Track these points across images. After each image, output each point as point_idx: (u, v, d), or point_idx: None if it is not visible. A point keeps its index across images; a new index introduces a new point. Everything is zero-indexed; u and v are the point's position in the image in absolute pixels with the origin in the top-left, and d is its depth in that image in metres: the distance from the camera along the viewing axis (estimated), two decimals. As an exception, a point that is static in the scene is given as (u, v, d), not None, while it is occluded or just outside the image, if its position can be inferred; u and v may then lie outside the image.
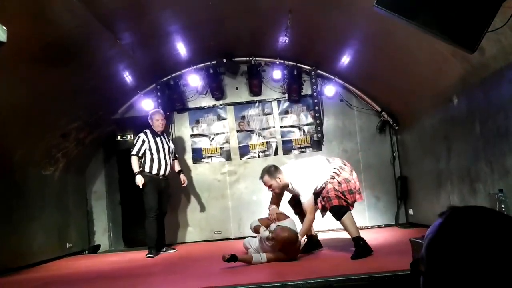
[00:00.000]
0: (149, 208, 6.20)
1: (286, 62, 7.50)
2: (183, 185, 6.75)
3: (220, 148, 7.83)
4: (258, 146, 7.80)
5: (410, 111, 6.78)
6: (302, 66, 7.57)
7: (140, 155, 6.30)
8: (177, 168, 6.74)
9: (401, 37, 5.00)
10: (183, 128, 7.87)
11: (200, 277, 4.16)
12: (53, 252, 6.72)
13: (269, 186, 4.90)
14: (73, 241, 7.35)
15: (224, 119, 7.87)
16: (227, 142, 7.84)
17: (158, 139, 6.41)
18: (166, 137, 6.63)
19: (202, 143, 7.85)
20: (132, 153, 6.31)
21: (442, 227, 0.88)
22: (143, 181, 6.14)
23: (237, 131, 7.85)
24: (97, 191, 8.31)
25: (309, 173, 4.84)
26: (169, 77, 7.67)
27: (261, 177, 4.93)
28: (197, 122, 7.88)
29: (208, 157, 7.78)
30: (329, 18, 5.82)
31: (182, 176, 6.70)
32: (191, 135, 7.86)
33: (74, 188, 7.66)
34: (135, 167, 6.25)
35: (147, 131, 6.43)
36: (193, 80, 7.58)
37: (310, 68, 7.59)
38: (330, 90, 7.57)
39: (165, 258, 5.98)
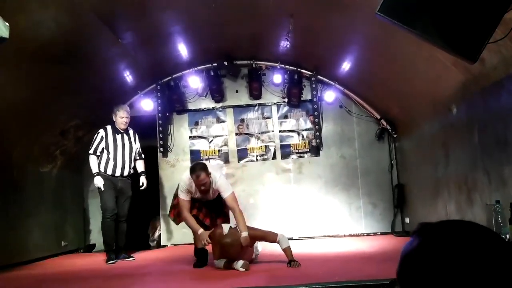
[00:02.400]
0: (104, 208, 5.92)
1: (287, 66, 7.52)
2: (141, 188, 6.32)
3: (219, 150, 7.83)
4: (256, 150, 7.80)
5: (409, 118, 6.79)
6: (303, 71, 7.59)
7: (97, 153, 5.95)
8: (139, 168, 6.32)
9: (402, 44, 5.02)
10: (182, 129, 7.88)
11: (196, 279, 4.16)
12: (49, 250, 6.70)
13: (203, 184, 4.75)
14: (69, 239, 7.34)
15: (223, 121, 7.88)
16: (226, 144, 7.84)
17: (118, 137, 6.06)
18: (130, 135, 6.20)
19: (201, 145, 7.85)
20: (89, 151, 5.97)
21: (414, 248, 0.85)
22: (102, 183, 5.84)
23: (236, 134, 7.86)
24: (94, 189, 8.27)
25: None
26: (170, 78, 7.68)
27: (198, 175, 4.71)
28: (196, 123, 7.88)
29: (206, 159, 7.77)
30: (330, 24, 5.84)
31: (142, 178, 6.30)
32: (190, 137, 7.86)
33: (71, 186, 7.65)
34: (94, 168, 5.91)
35: (108, 127, 6.07)
36: (194, 81, 7.59)
37: (311, 73, 7.60)
38: (330, 95, 7.58)
39: (161, 259, 5.97)
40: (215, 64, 7.51)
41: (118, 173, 6.00)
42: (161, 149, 7.77)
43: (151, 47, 6.52)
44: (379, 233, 7.43)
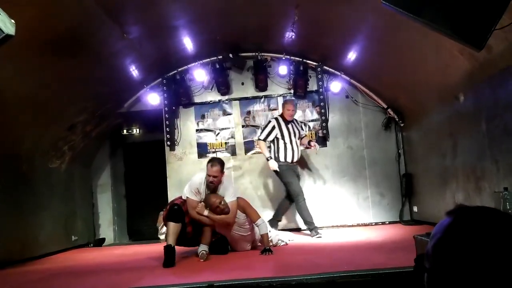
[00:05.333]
0: (296, 193, 6.35)
1: (292, 57, 7.50)
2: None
3: (226, 143, 7.84)
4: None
5: (416, 108, 6.77)
6: (308, 61, 7.56)
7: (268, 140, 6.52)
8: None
9: (408, 33, 4.99)
10: (188, 122, 7.89)
11: (204, 271, 4.19)
12: (59, 244, 6.78)
13: (215, 177, 5.04)
14: (79, 234, 7.41)
15: (229, 114, 7.88)
16: (233, 137, 7.85)
17: (289, 126, 6.55)
18: (296, 124, 6.74)
19: (208, 138, 7.86)
20: (260, 138, 6.61)
21: (450, 227, 0.88)
22: (277, 165, 6.39)
23: (243, 126, 7.86)
24: (103, 184, 8.37)
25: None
26: (176, 71, 7.68)
27: (213, 165, 5.06)
28: (203, 116, 7.89)
29: (213, 152, 7.79)
30: (335, 13, 5.81)
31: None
32: (197, 130, 7.88)
33: (80, 180, 7.71)
34: (267, 152, 6.54)
35: (279, 117, 6.63)
36: (199, 74, 7.59)
37: (316, 64, 7.58)
38: (336, 86, 7.56)
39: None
40: (221, 56, 7.50)
41: (295, 160, 6.54)
42: (168, 142, 7.78)
43: (157, 41, 6.52)
44: (387, 223, 7.43)
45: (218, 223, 5.06)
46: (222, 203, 4.97)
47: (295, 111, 6.73)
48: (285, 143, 6.44)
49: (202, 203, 5.06)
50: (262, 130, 6.63)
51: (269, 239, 5.21)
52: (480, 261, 0.81)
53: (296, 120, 6.79)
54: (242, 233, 5.25)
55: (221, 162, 5.16)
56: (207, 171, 5.07)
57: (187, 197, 5.09)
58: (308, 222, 6.27)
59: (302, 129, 6.92)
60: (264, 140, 6.50)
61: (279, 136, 6.45)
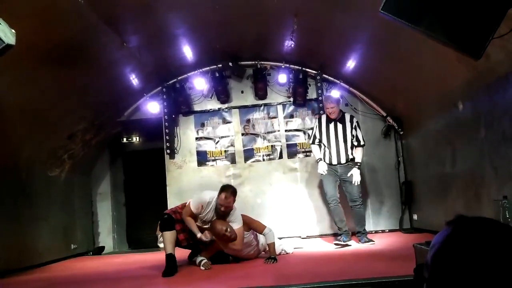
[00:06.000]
0: (326, 194, 6.21)
1: (292, 66, 7.52)
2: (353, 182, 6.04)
3: (225, 151, 7.84)
4: (263, 150, 7.82)
5: (415, 115, 6.78)
6: (308, 70, 7.58)
7: (315, 142, 6.23)
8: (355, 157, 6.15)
9: (407, 41, 5.01)
10: (188, 131, 7.90)
11: (204, 280, 4.18)
12: (58, 253, 6.76)
13: (226, 206, 4.94)
14: (78, 242, 7.39)
15: (229, 122, 7.89)
16: (232, 145, 7.85)
17: (331, 125, 6.12)
18: (345, 122, 6.14)
19: (207, 146, 7.87)
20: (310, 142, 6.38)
21: (449, 237, 0.89)
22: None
23: (242, 134, 7.87)
24: (102, 192, 8.36)
25: None
26: (175, 80, 7.70)
27: (227, 196, 4.92)
28: (203, 125, 7.90)
29: (213, 160, 7.80)
30: (334, 22, 5.84)
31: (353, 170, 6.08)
32: (196, 138, 7.88)
33: (79, 189, 7.71)
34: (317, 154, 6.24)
35: (322, 116, 6.29)
36: (199, 83, 7.61)
37: (316, 72, 7.60)
38: (335, 94, 7.57)
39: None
40: (220, 65, 7.52)
41: (336, 162, 6.07)
42: (168, 151, 7.79)
43: (156, 49, 6.55)
44: (387, 230, 7.41)
45: (227, 248, 5.03)
46: (229, 230, 4.86)
47: (335, 107, 6.01)
48: (324, 144, 6.12)
49: (207, 231, 5.00)
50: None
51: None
52: (478, 272, 0.81)
53: (352, 119, 6.15)
54: (250, 251, 5.25)
55: (234, 193, 5.05)
56: (220, 200, 4.93)
57: (189, 202, 5.09)
58: (337, 227, 6.14)
59: (355, 130, 6.10)
60: (313, 142, 6.26)
61: (317, 135, 6.18)
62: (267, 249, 5.27)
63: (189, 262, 5.20)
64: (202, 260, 4.83)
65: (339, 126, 6.08)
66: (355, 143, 6.06)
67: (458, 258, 0.84)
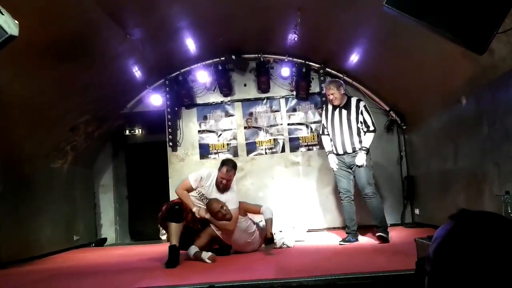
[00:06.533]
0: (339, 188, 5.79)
1: (295, 59, 7.50)
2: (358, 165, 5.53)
3: (228, 144, 7.85)
4: (265, 143, 7.82)
5: (418, 111, 6.76)
6: (311, 63, 7.56)
7: (325, 132, 5.79)
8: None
9: (410, 36, 4.99)
10: (190, 124, 7.90)
11: (205, 272, 4.19)
12: (60, 244, 6.79)
13: (227, 180, 5.10)
14: (80, 234, 7.42)
15: (232, 115, 7.89)
16: (235, 138, 7.86)
17: (336, 113, 5.66)
18: (350, 108, 5.60)
19: (210, 139, 7.87)
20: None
21: (452, 231, 0.89)
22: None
23: (245, 127, 7.87)
24: (105, 184, 8.39)
25: None
26: (178, 72, 7.69)
27: (229, 170, 5.11)
28: (205, 118, 7.90)
29: (215, 153, 7.80)
30: (338, 16, 5.82)
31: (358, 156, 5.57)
32: (199, 131, 7.89)
33: (82, 181, 7.73)
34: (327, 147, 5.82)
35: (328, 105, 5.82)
36: (202, 76, 7.61)
37: (319, 66, 7.58)
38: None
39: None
40: (223, 58, 7.50)
41: (342, 151, 5.61)
42: (170, 143, 7.80)
43: (159, 42, 6.54)
44: (389, 225, 7.37)
45: (220, 228, 5.06)
46: (224, 208, 4.97)
47: (335, 93, 5.52)
48: (329, 132, 5.70)
49: (204, 207, 5.08)
50: None
51: (274, 237, 5.38)
52: (481, 266, 0.82)
53: (358, 103, 5.60)
54: (247, 238, 5.26)
55: (235, 167, 5.24)
56: (221, 174, 5.07)
57: (187, 177, 5.18)
58: (346, 225, 5.80)
59: (362, 114, 5.54)
60: (322, 133, 5.85)
61: (325, 124, 5.75)
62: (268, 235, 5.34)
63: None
64: (210, 254, 4.79)
65: (344, 112, 5.58)
66: (364, 129, 5.51)
67: (460, 252, 0.84)
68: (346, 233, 5.73)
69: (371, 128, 5.52)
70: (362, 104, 5.62)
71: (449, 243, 0.88)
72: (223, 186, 5.09)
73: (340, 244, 5.53)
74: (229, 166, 5.11)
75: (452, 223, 0.90)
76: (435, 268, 0.88)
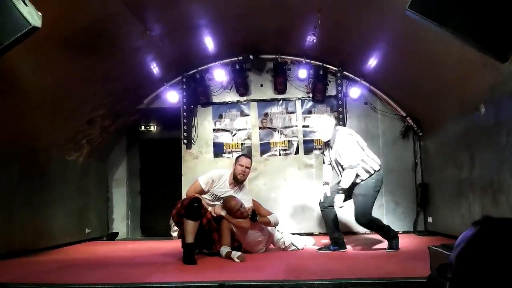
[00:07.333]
0: None
1: (312, 61, 7.48)
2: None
3: (242, 144, 7.85)
4: (279, 144, 7.81)
5: (435, 117, 6.70)
6: (328, 66, 7.54)
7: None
8: None
9: (430, 42, 4.94)
10: (206, 122, 7.92)
11: (216, 270, 4.20)
12: (73, 236, 6.85)
13: (244, 172, 5.19)
14: (92, 227, 7.48)
15: (247, 115, 7.90)
16: (249, 138, 7.86)
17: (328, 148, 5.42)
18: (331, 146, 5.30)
19: (224, 138, 7.88)
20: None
21: (476, 237, 0.88)
22: None
23: (259, 128, 7.87)
24: (118, 179, 8.45)
25: None
26: (195, 70, 7.73)
27: (246, 156, 5.39)
28: (220, 116, 7.92)
29: (229, 152, 7.81)
30: (358, 19, 5.79)
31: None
32: (214, 129, 7.90)
33: (96, 174, 7.79)
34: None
35: None
36: (219, 74, 7.62)
37: (336, 69, 7.56)
38: (355, 92, 7.53)
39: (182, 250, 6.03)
40: (241, 57, 7.52)
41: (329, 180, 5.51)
42: (185, 141, 7.83)
43: (178, 39, 6.56)
44: (401, 232, 7.33)
45: (236, 225, 5.05)
46: (243, 206, 4.97)
47: (319, 130, 5.36)
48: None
49: (217, 206, 5.09)
50: None
51: (281, 239, 5.48)
52: (504, 273, 0.80)
53: (335, 137, 5.19)
54: (257, 238, 5.25)
55: (250, 161, 5.33)
56: (237, 169, 5.14)
57: (196, 180, 5.23)
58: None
59: (337, 151, 5.16)
60: (323, 162, 5.61)
61: (324, 155, 5.53)
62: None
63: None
64: (239, 254, 4.72)
65: (330, 149, 5.31)
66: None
67: (484, 258, 0.83)
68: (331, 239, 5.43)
69: (345, 165, 5.07)
70: (338, 139, 5.19)
71: (472, 249, 0.86)
72: (242, 178, 5.17)
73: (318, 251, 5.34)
74: (244, 155, 5.36)
75: (476, 229, 0.89)
76: (457, 274, 0.87)
